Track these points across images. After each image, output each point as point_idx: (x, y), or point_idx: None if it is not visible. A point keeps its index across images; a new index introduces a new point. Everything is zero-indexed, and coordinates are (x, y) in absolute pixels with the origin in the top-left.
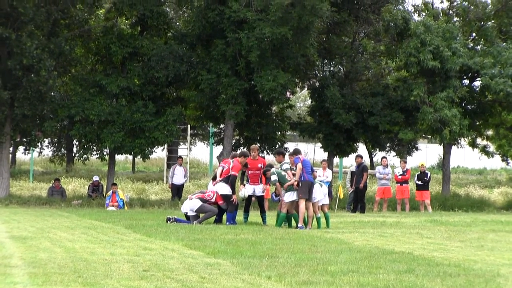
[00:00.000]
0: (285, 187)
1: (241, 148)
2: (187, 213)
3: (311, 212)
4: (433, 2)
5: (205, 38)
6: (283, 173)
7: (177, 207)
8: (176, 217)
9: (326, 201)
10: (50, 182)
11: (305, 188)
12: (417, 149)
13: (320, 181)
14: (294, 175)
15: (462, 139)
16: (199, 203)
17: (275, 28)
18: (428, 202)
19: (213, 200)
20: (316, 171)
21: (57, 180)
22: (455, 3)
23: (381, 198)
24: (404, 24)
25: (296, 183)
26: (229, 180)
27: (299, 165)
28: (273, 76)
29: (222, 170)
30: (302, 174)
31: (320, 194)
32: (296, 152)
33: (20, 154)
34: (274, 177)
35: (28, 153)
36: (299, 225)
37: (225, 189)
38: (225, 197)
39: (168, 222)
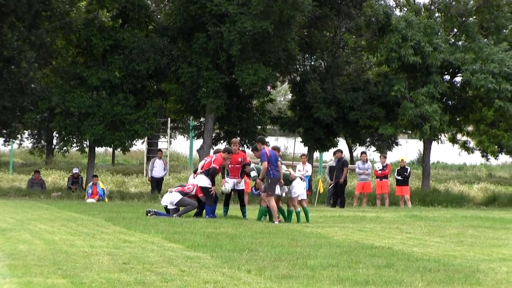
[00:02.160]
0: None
1: (221, 142)
2: (167, 206)
3: (275, 206)
4: None
5: (186, 31)
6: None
7: (157, 200)
8: (155, 210)
9: (304, 196)
10: (30, 174)
11: (274, 185)
12: (397, 144)
13: (301, 176)
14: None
15: (442, 134)
16: (179, 196)
17: (257, 22)
18: (407, 197)
19: (193, 193)
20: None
21: (37, 172)
22: None
23: (360, 193)
24: (386, 19)
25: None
26: (209, 172)
27: (265, 164)
28: (254, 70)
29: (204, 163)
30: (270, 171)
31: (300, 188)
32: (262, 141)
33: (0, 146)
34: (254, 173)
35: (8, 144)
36: (275, 222)
37: (204, 181)
38: (204, 190)
39: (148, 215)
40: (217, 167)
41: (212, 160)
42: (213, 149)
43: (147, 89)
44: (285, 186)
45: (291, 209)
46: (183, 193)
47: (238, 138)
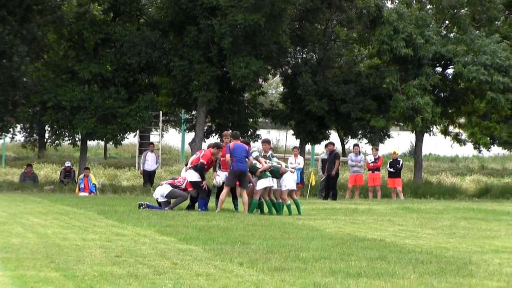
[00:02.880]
0: (257, 174)
1: (213, 135)
2: (158, 199)
3: (246, 199)
4: None
5: (178, 24)
6: (253, 161)
7: (149, 193)
8: (148, 203)
9: (294, 187)
10: (22, 167)
11: (231, 176)
12: (389, 136)
13: (292, 168)
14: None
15: (434, 126)
16: (169, 188)
17: (248, 14)
18: (400, 189)
19: (183, 186)
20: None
21: (29, 166)
22: None
23: (353, 186)
24: (377, 12)
25: (267, 166)
26: (197, 168)
27: (227, 157)
28: (245, 63)
29: (194, 158)
30: (232, 163)
31: (290, 181)
32: (233, 136)
33: None
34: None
35: (0, 138)
36: (217, 210)
37: (193, 176)
38: (194, 184)
39: (140, 208)
40: (205, 162)
41: (201, 155)
42: (205, 142)
43: (138, 83)
44: (275, 179)
45: (280, 202)
46: (173, 185)
47: (230, 131)
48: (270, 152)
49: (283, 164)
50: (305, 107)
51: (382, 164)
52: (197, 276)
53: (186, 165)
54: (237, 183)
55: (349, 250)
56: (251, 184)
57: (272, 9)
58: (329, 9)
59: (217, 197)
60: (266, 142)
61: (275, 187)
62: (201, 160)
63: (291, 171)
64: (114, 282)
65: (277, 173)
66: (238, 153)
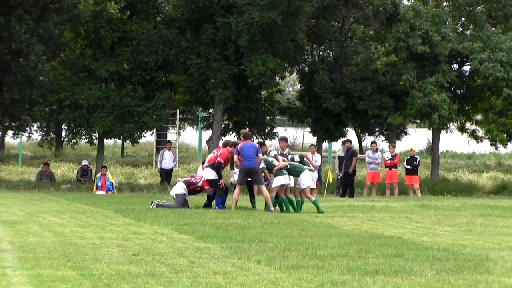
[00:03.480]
0: (274, 171)
1: (230, 133)
2: (174, 196)
3: (266, 194)
4: None
5: (195, 22)
6: (270, 159)
7: (166, 192)
8: (158, 201)
9: (313, 185)
10: (39, 166)
11: (240, 174)
12: (406, 133)
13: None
14: (284, 160)
15: (451, 123)
16: (181, 190)
17: (265, 12)
18: (417, 186)
19: (199, 184)
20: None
21: (46, 165)
22: None
23: (370, 183)
24: (394, 9)
25: (284, 165)
26: (214, 166)
27: (235, 157)
28: (262, 60)
29: (211, 157)
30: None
31: (308, 179)
32: (244, 136)
33: (9, 139)
34: (262, 164)
35: (17, 137)
36: (271, 209)
37: (210, 174)
38: (211, 182)
39: (151, 206)
40: (222, 161)
41: (218, 154)
42: (222, 140)
43: (155, 81)
44: (292, 177)
45: (299, 200)
46: (189, 183)
47: (247, 129)
48: (287, 149)
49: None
50: (322, 104)
51: (399, 161)
52: (215, 274)
53: (203, 163)
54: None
55: (367, 247)
56: (269, 181)
57: (289, 7)
58: (345, 6)
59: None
60: (283, 139)
61: (292, 185)
62: (218, 159)
63: (309, 169)
64: (131, 281)
65: (295, 171)
66: (246, 152)
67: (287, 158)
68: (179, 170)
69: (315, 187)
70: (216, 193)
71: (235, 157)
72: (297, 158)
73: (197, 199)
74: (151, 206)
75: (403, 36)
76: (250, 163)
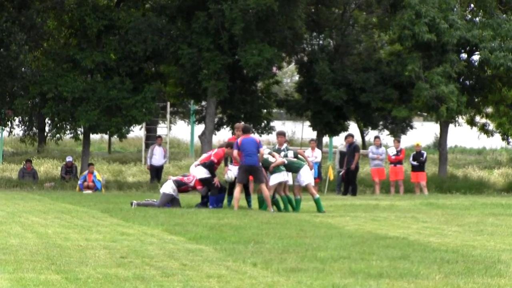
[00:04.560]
0: (271, 169)
1: (224, 127)
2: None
3: (266, 194)
4: None
5: (186, 10)
6: (265, 156)
7: (156, 190)
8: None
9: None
10: (21, 163)
11: (240, 171)
12: (411, 127)
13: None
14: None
15: (460, 116)
16: (169, 189)
17: None
18: (423, 184)
19: (191, 184)
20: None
21: (28, 161)
22: None
23: (374, 180)
24: None
25: (281, 161)
26: (207, 165)
27: (235, 153)
28: (258, 50)
29: (205, 157)
30: (240, 159)
31: (309, 176)
32: (243, 130)
33: None
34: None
35: None
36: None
37: (202, 172)
38: (204, 181)
39: (132, 206)
40: (216, 161)
41: (213, 153)
42: (215, 134)
43: (144, 72)
44: (289, 173)
45: (298, 198)
46: (180, 183)
47: (242, 122)
48: (285, 145)
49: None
50: (322, 96)
51: (404, 157)
52: (208, 278)
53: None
54: (251, 178)
55: (370, 249)
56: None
57: None
58: None
59: (229, 194)
60: (281, 134)
61: (290, 182)
62: (212, 158)
63: (308, 165)
64: (119, 285)
65: (293, 167)
66: (247, 147)
67: (285, 154)
68: (170, 167)
69: (313, 184)
70: (210, 192)
71: (235, 152)
72: (291, 154)
73: (189, 197)
74: (132, 206)
75: (408, 23)
76: (251, 160)
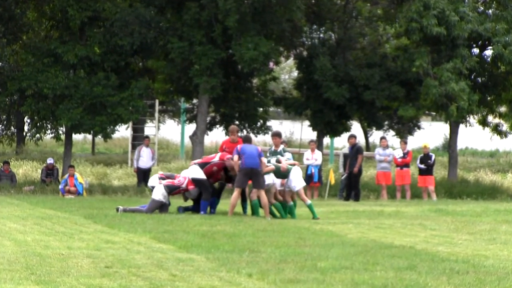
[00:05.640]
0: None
1: (217, 126)
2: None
3: (265, 201)
4: None
5: (176, 0)
6: (273, 163)
7: (144, 194)
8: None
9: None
10: None
11: (241, 175)
12: (419, 127)
13: (309, 165)
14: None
15: (471, 116)
16: (157, 196)
17: None
18: (432, 188)
19: (183, 186)
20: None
21: (6, 163)
22: None
23: (380, 184)
24: None
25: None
26: (203, 166)
27: (235, 158)
28: (254, 44)
29: (207, 157)
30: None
31: (299, 180)
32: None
33: None
34: None
35: None
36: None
37: (198, 172)
38: (197, 182)
39: (118, 212)
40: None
41: (218, 155)
42: (207, 135)
43: (131, 67)
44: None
45: (291, 204)
46: (171, 187)
47: (237, 122)
48: (282, 146)
49: (283, 160)
50: (322, 94)
51: (411, 160)
52: None
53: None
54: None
55: (374, 259)
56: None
57: None
58: None
59: (217, 197)
60: (276, 135)
61: (278, 186)
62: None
63: (295, 164)
64: None
65: (280, 174)
66: (248, 150)
67: (282, 156)
68: (159, 169)
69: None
70: (202, 196)
71: (235, 157)
72: (289, 156)
73: (181, 201)
74: (118, 212)
75: (415, 15)
76: (252, 162)
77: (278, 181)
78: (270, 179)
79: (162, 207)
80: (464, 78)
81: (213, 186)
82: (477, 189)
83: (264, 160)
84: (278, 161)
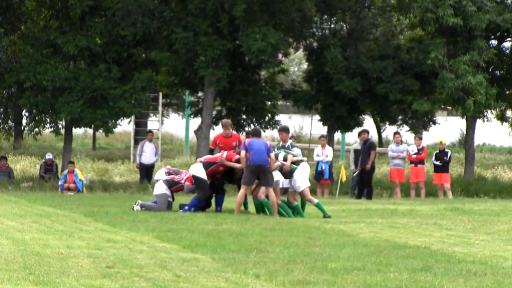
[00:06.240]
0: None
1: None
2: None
3: (273, 199)
4: None
5: None
6: (280, 160)
7: (147, 191)
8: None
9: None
10: None
11: (248, 172)
12: (434, 122)
13: (319, 161)
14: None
15: (489, 111)
16: (159, 190)
17: None
18: (448, 186)
19: (182, 181)
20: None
21: (3, 159)
22: None
23: (393, 182)
24: None
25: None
26: (206, 165)
27: (242, 154)
28: (262, 34)
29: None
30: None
31: (305, 179)
32: (255, 133)
33: None
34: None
35: None
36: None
37: (200, 171)
38: (197, 180)
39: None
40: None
41: (224, 154)
42: (213, 129)
43: (134, 59)
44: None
45: (295, 203)
46: (171, 182)
47: (244, 116)
48: (290, 141)
49: (290, 157)
50: (333, 87)
51: (426, 156)
52: None
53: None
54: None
55: (387, 259)
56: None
57: None
58: None
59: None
60: (283, 130)
61: (285, 184)
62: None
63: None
64: None
65: (285, 173)
66: (256, 146)
67: (290, 151)
68: (162, 165)
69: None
70: (196, 195)
71: (242, 153)
72: (297, 151)
73: (184, 199)
74: (134, 208)
75: (431, 5)
76: (260, 159)
77: (286, 180)
78: (277, 176)
79: (168, 204)
80: (481, 71)
81: (215, 183)
82: (495, 187)
83: (273, 156)
84: (285, 159)
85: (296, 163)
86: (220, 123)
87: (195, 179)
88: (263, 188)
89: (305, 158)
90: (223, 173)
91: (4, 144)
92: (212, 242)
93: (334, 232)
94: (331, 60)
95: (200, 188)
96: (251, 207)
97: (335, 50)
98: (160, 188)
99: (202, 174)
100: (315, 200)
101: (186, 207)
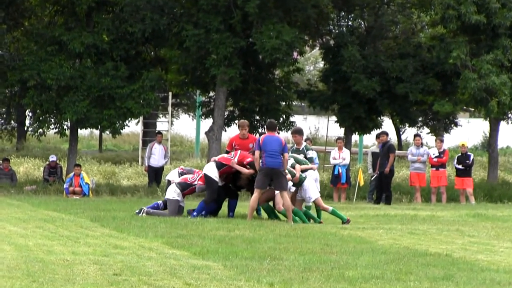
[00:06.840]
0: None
1: (235, 122)
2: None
3: (288, 204)
4: None
5: None
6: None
7: (155, 195)
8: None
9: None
10: None
11: (261, 175)
12: (456, 124)
13: (336, 165)
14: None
15: None
16: (171, 195)
17: None
18: (470, 191)
19: (195, 183)
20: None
21: (5, 161)
22: None
23: (413, 186)
24: None
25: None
26: (219, 165)
27: (257, 154)
28: (276, 32)
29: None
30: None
31: (314, 190)
32: (270, 127)
33: None
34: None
35: None
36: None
37: (212, 170)
38: (207, 180)
39: (140, 214)
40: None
41: (238, 155)
42: (225, 131)
43: (142, 57)
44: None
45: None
46: (184, 185)
47: (257, 117)
48: (304, 144)
49: (297, 167)
50: (351, 87)
51: (448, 160)
52: None
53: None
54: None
55: (407, 267)
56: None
57: None
58: None
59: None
60: (297, 132)
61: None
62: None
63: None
64: None
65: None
66: (270, 146)
67: (304, 154)
68: (171, 168)
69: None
70: (205, 198)
71: (256, 153)
72: (313, 154)
73: (194, 204)
74: (139, 214)
75: (453, 2)
76: (273, 162)
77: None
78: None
79: (178, 210)
80: (505, 70)
81: (229, 187)
82: None
83: (287, 156)
84: (293, 166)
85: (304, 171)
86: (232, 124)
87: (206, 178)
88: (278, 198)
89: (314, 166)
90: (230, 176)
91: (7, 145)
92: (224, 249)
93: (352, 239)
94: (348, 59)
95: (209, 188)
96: (264, 213)
97: (353, 48)
98: (172, 193)
99: (214, 174)
100: (330, 208)
101: (195, 213)
